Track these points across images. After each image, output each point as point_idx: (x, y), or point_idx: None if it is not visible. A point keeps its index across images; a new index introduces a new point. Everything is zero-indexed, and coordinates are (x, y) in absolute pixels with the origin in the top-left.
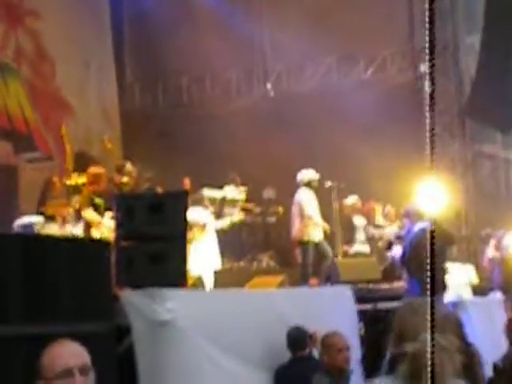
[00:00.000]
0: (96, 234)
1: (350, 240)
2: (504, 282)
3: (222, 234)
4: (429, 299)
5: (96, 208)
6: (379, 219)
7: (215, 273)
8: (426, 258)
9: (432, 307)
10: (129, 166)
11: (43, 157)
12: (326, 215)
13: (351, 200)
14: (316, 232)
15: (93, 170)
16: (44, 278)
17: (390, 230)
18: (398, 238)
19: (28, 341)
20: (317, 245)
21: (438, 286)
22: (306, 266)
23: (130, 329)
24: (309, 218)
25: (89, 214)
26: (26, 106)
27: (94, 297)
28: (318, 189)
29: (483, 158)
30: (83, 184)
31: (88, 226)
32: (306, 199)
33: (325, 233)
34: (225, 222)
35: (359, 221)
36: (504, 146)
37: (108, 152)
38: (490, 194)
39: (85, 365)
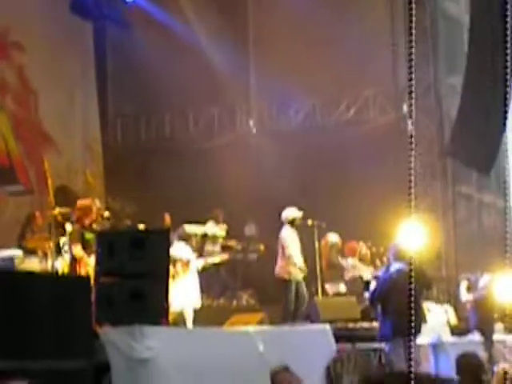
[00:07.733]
0: (82, 270)
1: (335, 279)
2: (480, 323)
3: (202, 271)
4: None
5: (85, 243)
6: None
7: (195, 311)
8: (399, 299)
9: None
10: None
11: (24, 190)
12: (307, 253)
13: (332, 239)
14: (297, 271)
15: (80, 203)
16: (23, 313)
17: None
18: (376, 277)
19: (6, 377)
20: (297, 284)
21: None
22: (288, 304)
23: (110, 366)
24: (289, 258)
25: (77, 250)
26: (10, 138)
27: (73, 334)
28: (300, 227)
29: (462, 198)
30: (68, 219)
31: (75, 261)
32: (289, 238)
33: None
34: (206, 261)
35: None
36: (478, 188)
37: (90, 186)
38: (469, 235)
39: None
